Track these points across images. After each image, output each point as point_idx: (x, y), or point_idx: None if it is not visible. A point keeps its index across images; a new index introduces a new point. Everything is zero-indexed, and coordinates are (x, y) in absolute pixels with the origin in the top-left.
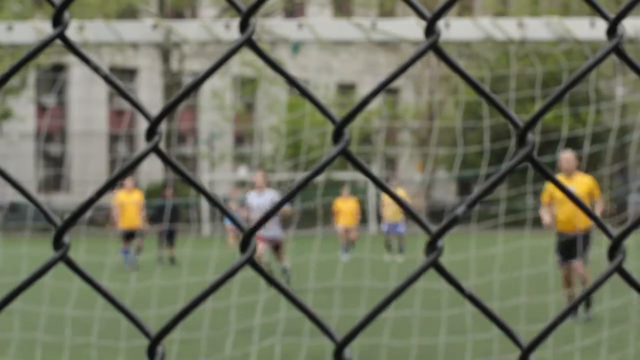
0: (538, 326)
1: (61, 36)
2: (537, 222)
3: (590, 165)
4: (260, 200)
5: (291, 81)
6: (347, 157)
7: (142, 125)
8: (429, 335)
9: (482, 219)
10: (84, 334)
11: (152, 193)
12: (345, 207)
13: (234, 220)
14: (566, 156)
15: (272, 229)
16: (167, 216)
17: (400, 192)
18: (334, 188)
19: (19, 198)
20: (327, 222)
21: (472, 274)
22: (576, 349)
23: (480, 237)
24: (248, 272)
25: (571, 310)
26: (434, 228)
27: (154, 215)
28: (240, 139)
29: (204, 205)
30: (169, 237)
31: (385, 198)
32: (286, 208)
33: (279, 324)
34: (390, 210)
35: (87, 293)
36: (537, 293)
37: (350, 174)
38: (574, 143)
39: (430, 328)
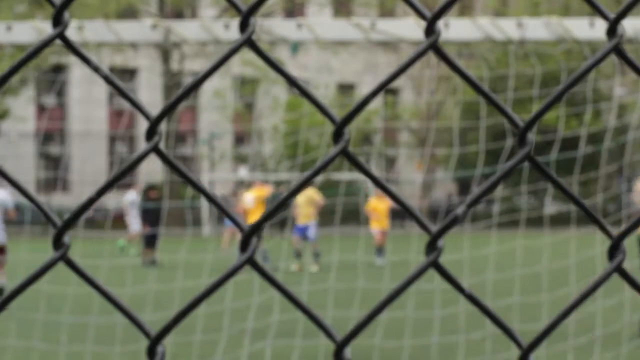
0: (531, 326)
1: (61, 36)
2: (530, 221)
3: (589, 165)
4: None
5: (291, 81)
6: (347, 157)
7: (142, 125)
8: (422, 336)
9: (477, 218)
10: (80, 340)
11: None
12: (381, 207)
13: (233, 220)
14: None
15: None
16: (152, 217)
17: (310, 192)
18: (333, 188)
19: (17, 198)
20: (324, 224)
21: (465, 274)
22: (570, 347)
23: (473, 237)
24: (241, 275)
25: (571, 309)
26: (434, 228)
27: (141, 217)
28: (240, 139)
29: (204, 205)
30: (152, 239)
31: (298, 198)
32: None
33: (272, 326)
34: (304, 211)
35: (83, 299)
36: (531, 293)
37: (347, 174)
38: (574, 143)
39: (423, 328)
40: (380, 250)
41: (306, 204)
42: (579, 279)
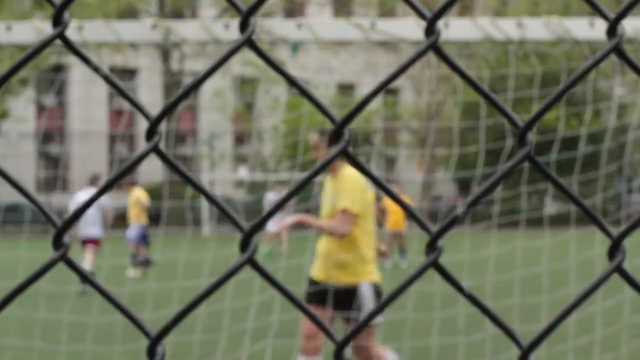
0: (531, 326)
1: (61, 36)
2: (531, 222)
3: (589, 165)
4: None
5: (291, 81)
6: (347, 157)
7: (142, 125)
8: (422, 337)
9: (477, 219)
10: (80, 340)
11: (151, 193)
12: (396, 207)
13: (233, 220)
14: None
15: (92, 227)
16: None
17: (137, 193)
18: None
19: (17, 198)
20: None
21: (465, 275)
22: (569, 348)
23: (474, 238)
24: (241, 275)
25: (571, 310)
26: (434, 228)
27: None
28: (240, 139)
29: (204, 205)
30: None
31: (129, 199)
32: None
33: (272, 325)
34: (130, 212)
35: (83, 297)
36: (530, 293)
37: None
38: (574, 143)
39: (423, 330)
40: (389, 250)
41: (132, 205)
42: (578, 279)
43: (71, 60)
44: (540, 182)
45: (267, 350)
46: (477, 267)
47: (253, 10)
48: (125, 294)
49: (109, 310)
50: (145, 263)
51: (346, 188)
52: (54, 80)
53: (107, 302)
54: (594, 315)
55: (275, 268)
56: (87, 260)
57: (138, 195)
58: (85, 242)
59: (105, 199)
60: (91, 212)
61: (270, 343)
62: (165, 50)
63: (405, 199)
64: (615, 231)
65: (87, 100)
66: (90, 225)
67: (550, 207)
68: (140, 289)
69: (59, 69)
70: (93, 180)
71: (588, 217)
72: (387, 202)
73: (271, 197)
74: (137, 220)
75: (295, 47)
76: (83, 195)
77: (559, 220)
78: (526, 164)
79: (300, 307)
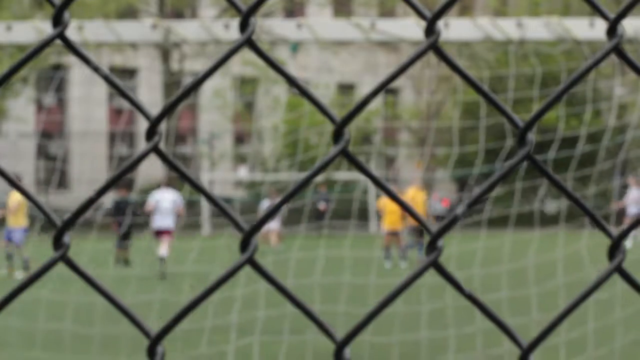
0: (519, 320)
1: (61, 36)
2: (520, 218)
3: (588, 164)
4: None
5: (291, 81)
6: (347, 157)
7: (142, 124)
8: (412, 331)
9: (467, 215)
10: (83, 351)
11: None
12: (393, 206)
13: (233, 221)
14: None
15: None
16: (127, 215)
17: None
18: (330, 188)
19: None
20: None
21: (453, 269)
22: (562, 342)
23: (462, 233)
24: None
25: (571, 309)
26: (434, 228)
27: (114, 213)
28: (240, 138)
29: (204, 205)
30: (124, 237)
31: (10, 201)
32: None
33: (258, 321)
34: (13, 215)
35: (85, 308)
36: (518, 287)
37: (347, 174)
38: (573, 143)
39: (413, 324)
40: (387, 250)
41: (19, 208)
42: (565, 272)
43: (71, 60)
44: (536, 179)
45: (254, 345)
46: (465, 260)
47: (253, 10)
48: (124, 296)
49: (112, 319)
50: (25, 262)
51: None
52: (53, 78)
53: (109, 310)
54: (587, 309)
55: (265, 263)
56: (162, 248)
57: (22, 199)
58: (158, 232)
59: (178, 196)
60: (165, 206)
61: (257, 339)
62: (165, 50)
63: (405, 198)
64: (614, 231)
65: (87, 100)
66: (164, 218)
67: (550, 206)
68: (141, 295)
69: (58, 68)
70: (169, 182)
71: (589, 217)
72: (385, 202)
73: (266, 205)
74: (18, 224)
75: (295, 47)
76: (160, 194)
77: (550, 217)
78: (523, 163)
79: (300, 307)
